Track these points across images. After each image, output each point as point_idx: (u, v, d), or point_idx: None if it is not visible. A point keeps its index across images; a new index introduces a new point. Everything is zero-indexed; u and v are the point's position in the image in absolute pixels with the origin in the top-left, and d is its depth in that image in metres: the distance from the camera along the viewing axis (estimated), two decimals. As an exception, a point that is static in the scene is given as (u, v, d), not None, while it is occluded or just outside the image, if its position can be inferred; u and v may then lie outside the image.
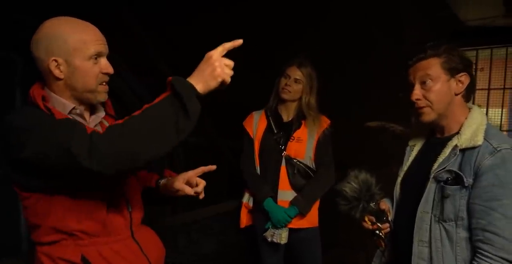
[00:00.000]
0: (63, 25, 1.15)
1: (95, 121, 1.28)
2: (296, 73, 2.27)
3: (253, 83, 3.08)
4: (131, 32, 3.22)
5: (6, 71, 2.72)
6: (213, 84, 1.06)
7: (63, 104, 1.19)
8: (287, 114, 2.36)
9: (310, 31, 3.20)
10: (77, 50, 1.14)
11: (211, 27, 3.39)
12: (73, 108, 1.20)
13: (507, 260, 1.21)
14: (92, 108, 1.29)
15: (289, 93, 2.28)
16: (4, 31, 2.57)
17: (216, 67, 1.05)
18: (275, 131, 2.32)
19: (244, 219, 2.40)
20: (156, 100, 1.04)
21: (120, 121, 1.03)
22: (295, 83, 2.27)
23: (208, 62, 1.07)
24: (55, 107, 1.17)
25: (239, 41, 1.10)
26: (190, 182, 1.31)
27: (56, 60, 1.14)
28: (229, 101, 3.45)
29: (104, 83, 1.22)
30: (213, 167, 1.32)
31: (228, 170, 3.77)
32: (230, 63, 1.08)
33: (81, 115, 1.23)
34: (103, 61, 1.20)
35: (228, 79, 1.08)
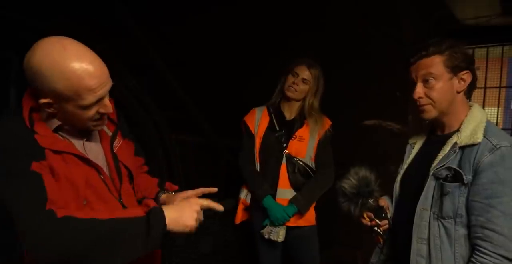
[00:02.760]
0: (63, 61, 1.00)
1: None
2: (305, 73, 2.25)
3: (251, 82, 3.08)
4: (127, 31, 3.21)
5: (1, 70, 2.71)
6: (180, 229, 1.09)
7: (50, 121, 1.11)
8: (290, 112, 2.35)
9: (307, 30, 3.20)
10: (70, 100, 1.04)
11: (209, 26, 3.39)
12: (60, 125, 1.12)
13: (505, 258, 1.21)
14: None
15: (295, 92, 2.26)
16: (0, 30, 2.55)
17: (194, 220, 1.11)
18: (277, 129, 2.30)
19: (240, 215, 2.39)
20: (129, 215, 1.05)
21: (83, 216, 1.00)
22: (303, 83, 2.26)
23: (191, 208, 1.12)
24: (46, 118, 1.10)
25: (220, 207, 1.19)
26: None
27: (50, 103, 1.04)
28: (226, 99, 3.45)
29: (99, 118, 1.14)
30: (214, 189, 1.34)
31: (226, 169, 3.77)
32: (201, 218, 1.16)
33: (70, 132, 1.15)
34: (103, 102, 1.11)
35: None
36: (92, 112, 1.09)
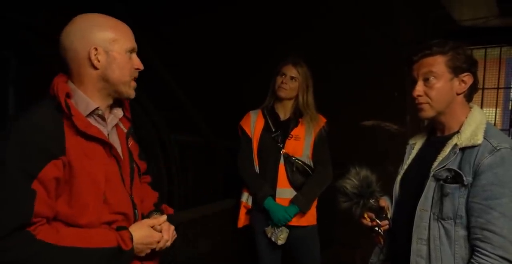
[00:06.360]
0: (99, 18, 1.18)
1: (112, 123, 1.25)
2: (292, 71, 2.29)
3: (250, 83, 3.08)
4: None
5: (0, 70, 2.70)
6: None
7: (86, 103, 1.16)
8: (284, 112, 2.37)
9: (304, 31, 3.21)
10: (116, 42, 1.17)
11: (208, 27, 3.39)
12: (96, 109, 1.17)
13: (505, 259, 1.21)
14: (110, 108, 1.26)
15: (285, 91, 2.29)
16: (-1, 30, 2.54)
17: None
18: (273, 130, 2.32)
19: (242, 219, 2.40)
20: (99, 241, 1.10)
21: (53, 242, 1.03)
22: (291, 81, 2.29)
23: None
24: (77, 105, 1.14)
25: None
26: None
27: (96, 49, 1.14)
28: (225, 100, 3.45)
29: (134, 79, 1.25)
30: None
31: (224, 169, 3.77)
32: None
33: (102, 117, 1.20)
34: (136, 57, 1.24)
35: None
36: (131, 61, 1.21)
